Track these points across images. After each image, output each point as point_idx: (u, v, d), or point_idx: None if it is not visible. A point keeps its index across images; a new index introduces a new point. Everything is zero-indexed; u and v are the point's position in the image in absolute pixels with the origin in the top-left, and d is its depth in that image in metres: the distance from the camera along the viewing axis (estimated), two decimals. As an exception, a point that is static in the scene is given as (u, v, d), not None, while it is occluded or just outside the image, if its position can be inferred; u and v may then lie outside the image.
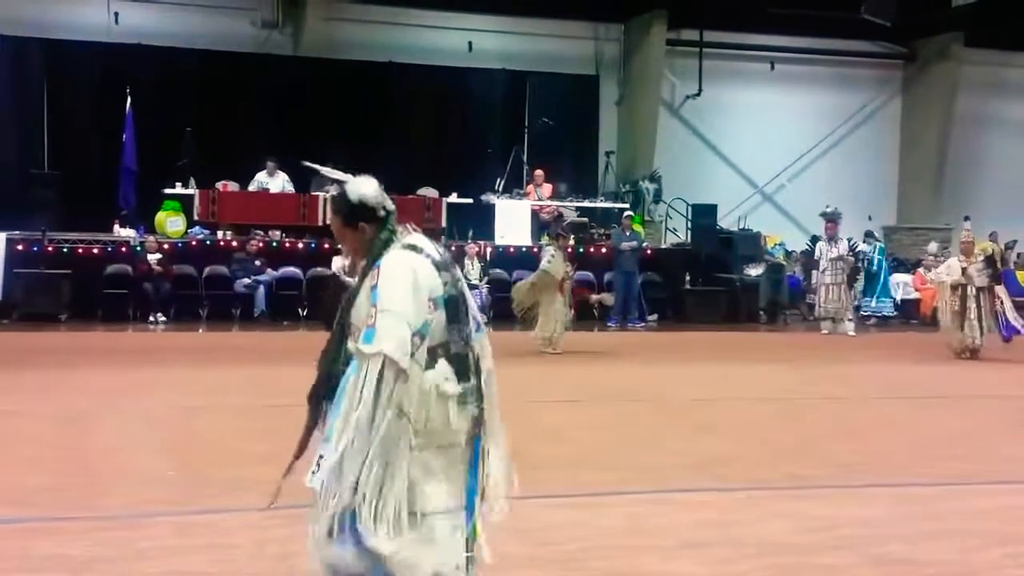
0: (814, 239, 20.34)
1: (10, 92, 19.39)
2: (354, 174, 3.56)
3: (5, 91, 19.35)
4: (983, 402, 10.76)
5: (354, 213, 3.49)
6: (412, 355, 3.29)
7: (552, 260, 14.13)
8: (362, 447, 3.24)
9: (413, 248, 3.46)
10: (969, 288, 14.06)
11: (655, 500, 6.08)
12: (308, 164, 4.35)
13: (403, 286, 3.34)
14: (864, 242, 19.69)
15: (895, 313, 19.76)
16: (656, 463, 7.09)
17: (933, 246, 21.38)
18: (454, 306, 3.44)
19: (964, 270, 14.13)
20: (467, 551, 3.45)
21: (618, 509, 5.83)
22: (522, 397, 10.08)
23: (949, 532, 5.51)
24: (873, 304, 19.86)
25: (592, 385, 11.14)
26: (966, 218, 16.54)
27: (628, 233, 18.62)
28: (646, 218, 21.17)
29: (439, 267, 3.45)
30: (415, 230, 3.56)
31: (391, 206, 3.53)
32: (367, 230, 3.48)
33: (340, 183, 3.55)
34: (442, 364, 3.40)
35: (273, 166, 18.44)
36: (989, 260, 14.41)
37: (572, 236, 15.21)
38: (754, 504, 6.03)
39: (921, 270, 20.75)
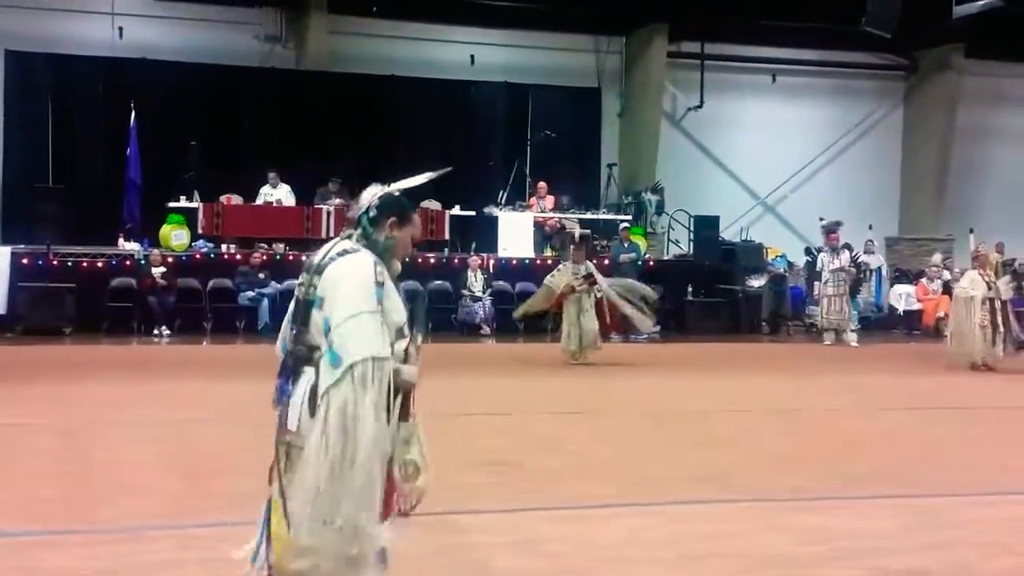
0: (808, 251, 20.40)
1: (15, 106, 19.46)
2: (359, 185, 3.76)
3: (10, 106, 19.42)
4: (987, 413, 10.76)
5: None
6: None
7: (555, 273, 14.18)
8: None
9: None
10: (996, 301, 14.11)
11: (656, 512, 6.10)
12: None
13: None
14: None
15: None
16: (657, 475, 7.11)
17: (936, 257, 21.39)
18: (294, 306, 3.65)
19: (991, 284, 14.16)
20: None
21: (619, 521, 5.85)
22: (523, 408, 10.14)
23: (952, 543, 5.52)
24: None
25: (593, 397, 11.15)
26: (971, 230, 16.46)
27: (627, 245, 18.67)
28: (648, 230, 21.19)
29: (304, 268, 3.64)
30: (345, 235, 3.66)
31: (364, 211, 3.64)
32: None
33: None
34: None
35: (275, 178, 18.53)
36: (1016, 273, 14.45)
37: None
38: (755, 516, 6.04)
39: (924, 281, 20.77)
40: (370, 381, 3.31)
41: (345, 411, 3.28)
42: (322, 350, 3.40)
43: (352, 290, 3.41)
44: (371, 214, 3.59)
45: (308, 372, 3.47)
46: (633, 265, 18.39)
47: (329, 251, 3.57)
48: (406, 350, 3.51)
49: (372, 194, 3.65)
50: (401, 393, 3.47)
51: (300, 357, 3.51)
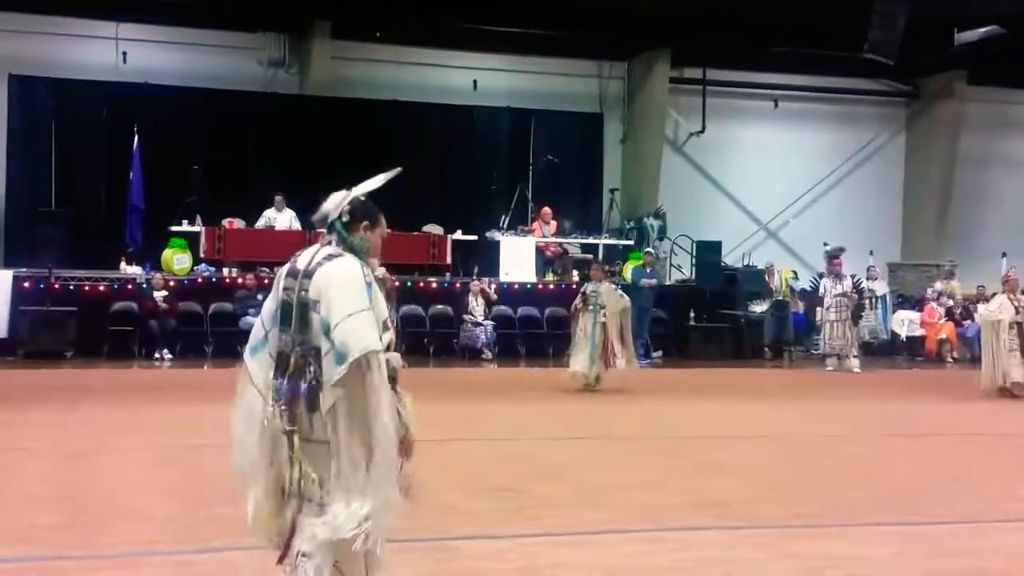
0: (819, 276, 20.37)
1: (19, 131, 19.47)
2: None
3: (14, 130, 19.42)
4: (988, 440, 10.72)
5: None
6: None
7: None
8: None
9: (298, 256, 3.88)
10: (1023, 325, 14.09)
11: (657, 539, 6.06)
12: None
13: None
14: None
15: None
16: (659, 502, 7.07)
17: (938, 284, 21.40)
18: (283, 311, 3.80)
19: (1019, 308, 14.12)
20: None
21: (621, 548, 5.82)
22: (525, 434, 10.11)
23: (954, 571, 5.49)
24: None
25: (595, 423, 11.11)
26: (1003, 255, 16.36)
27: (649, 270, 18.70)
28: (651, 255, 21.21)
29: (288, 274, 3.82)
30: (325, 242, 3.85)
31: (337, 217, 3.83)
32: None
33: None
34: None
35: (281, 202, 18.55)
36: None
37: (577, 269, 15.12)
38: (757, 543, 6.01)
39: (932, 304, 20.76)
40: (376, 371, 3.59)
41: (354, 402, 3.56)
42: (323, 349, 3.63)
43: (347, 292, 3.66)
44: (344, 219, 3.83)
45: (308, 370, 3.70)
46: (652, 291, 18.45)
47: (314, 256, 3.80)
48: (391, 341, 3.74)
49: (340, 200, 3.86)
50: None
51: (301, 356, 3.73)
